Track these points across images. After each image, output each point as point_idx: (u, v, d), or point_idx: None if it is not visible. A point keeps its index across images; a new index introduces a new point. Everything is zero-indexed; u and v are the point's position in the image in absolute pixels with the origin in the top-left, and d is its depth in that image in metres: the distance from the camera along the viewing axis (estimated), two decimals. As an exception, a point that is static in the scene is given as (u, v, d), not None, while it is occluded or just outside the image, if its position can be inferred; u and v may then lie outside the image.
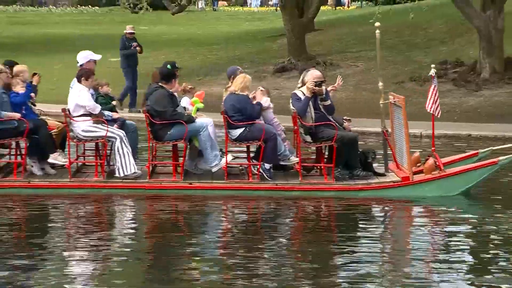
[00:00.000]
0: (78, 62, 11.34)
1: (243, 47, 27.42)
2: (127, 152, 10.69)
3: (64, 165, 10.83)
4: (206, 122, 10.86)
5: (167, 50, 27.82)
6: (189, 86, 11.71)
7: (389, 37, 25.45)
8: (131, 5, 25.10)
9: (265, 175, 10.64)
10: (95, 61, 11.35)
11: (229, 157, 10.74)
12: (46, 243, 8.33)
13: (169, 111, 10.66)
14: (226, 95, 10.98)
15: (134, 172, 10.68)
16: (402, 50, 23.88)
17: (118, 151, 10.64)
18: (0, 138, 10.66)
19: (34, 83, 11.13)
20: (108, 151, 11.17)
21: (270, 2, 49.08)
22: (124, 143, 10.67)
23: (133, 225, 9.42)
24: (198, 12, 37.04)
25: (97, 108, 10.77)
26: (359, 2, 45.43)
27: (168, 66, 11.03)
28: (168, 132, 10.68)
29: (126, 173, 10.65)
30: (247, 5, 47.01)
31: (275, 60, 23.64)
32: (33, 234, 8.72)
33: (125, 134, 10.78)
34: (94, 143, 10.96)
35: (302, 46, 23.40)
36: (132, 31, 19.66)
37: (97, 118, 10.74)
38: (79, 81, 10.81)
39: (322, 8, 29.97)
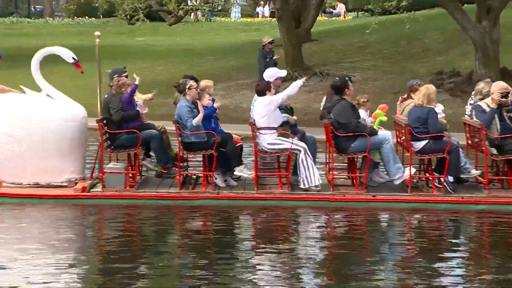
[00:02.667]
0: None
1: (240, 58, 27.45)
2: (311, 164, 10.78)
3: (250, 177, 11.01)
4: (388, 134, 10.88)
5: (164, 61, 27.85)
6: (363, 100, 11.63)
7: (385, 48, 25.55)
8: (128, 17, 25.10)
9: (448, 188, 10.64)
10: (281, 78, 11.63)
11: (413, 169, 10.78)
12: (234, 253, 8.63)
13: (353, 123, 10.74)
14: (411, 107, 10.97)
15: (316, 185, 10.78)
16: (398, 60, 23.95)
17: (302, 163, 10.75)
18: (191, 151, 10.94)
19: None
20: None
21: (262, 11, 49.21)
22: (308, 155, 10.79)
23: (316, 236, 9.53)
24: (195, 23, 37.07)
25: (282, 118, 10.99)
26: (355, 13, 45.51)
27: (345, 78, 11.15)
28: (352, 145, 10.75)
29: (310, 185, 10.75)
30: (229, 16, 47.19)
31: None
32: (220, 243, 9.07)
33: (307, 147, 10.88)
34: (275, 156, 11.14)
35: (298, 57, 23.44)
36: (272, 40, 18.81)
37: (282, 131, 10.88)
38: (263, 94, 10.95)
39: (318, 18, 30.04)
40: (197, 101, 11.05)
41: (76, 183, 11.12)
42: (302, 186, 10.84)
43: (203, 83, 11.59)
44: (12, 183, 11.02)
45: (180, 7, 24.35)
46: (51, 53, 11.91)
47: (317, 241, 9.26)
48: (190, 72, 26.20)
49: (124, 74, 11.47)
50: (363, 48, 25.91)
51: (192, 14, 25.53)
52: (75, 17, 44.86)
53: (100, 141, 10.97)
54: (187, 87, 11.04)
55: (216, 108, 11.26)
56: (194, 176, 11.58)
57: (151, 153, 11.48)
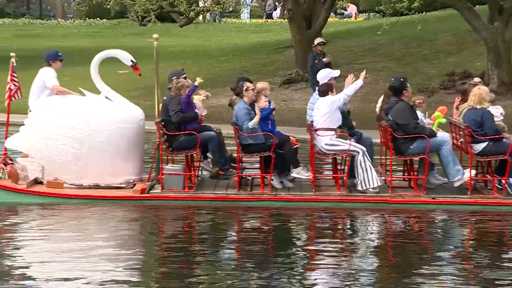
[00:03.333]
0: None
1: (250, 59, 27.46)
2: (369, 166, 10.79)
3: (308, 178, 11.04)
4: (447, 136, 10.87)
5: (175, 62, 27.87)
6: (418, 101, 11.57)
7: (396, 49, 25.48)
8: (139, 18, 25.14)
9: (509, 190, 10.60)
10: (335, 78, 11.58)
11: (473, 171, 10.76)
12: (288, 254, 8.65)
13: (412, 124, 10.69)
14: (466, 110, 10.92)
15: (374, 187, 10.78)
16: (409, 61, 23.88)
17: (361, 164, 10.75)
18: (249, 152, 11.02)
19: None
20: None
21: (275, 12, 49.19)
22: (366, 157, 10.79)
23: (377, 240, 9.54)
24: (206, 25, 37.10)
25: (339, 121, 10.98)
26: (367, 14, 45.44)
27: (401, 79, 11.12)
28: (410, 146, 10.70)
29: (368, 187, 10.75)
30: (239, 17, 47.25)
31: (283, 72, 23.66)
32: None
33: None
34: (331, 158, 11.21)
35: (309, 58, 23.39)
36: (322, 42, 18.65)
37: (341, 133, 10.91)
38: (325, 94, 10.99)
39: (329, 19, 30.01)
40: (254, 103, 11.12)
41: (134, 185, 11.23)
42: (359, 188, 10.82)
43: (259, 85, 11.62)
44: (72, 184, 11.15)
45: (192, 8, 24.38)
46: (111, 56, 12.05)
47: (376, 243, 9.29)
48: (201, 73, 26.24)
49: (183, 76, 11.54)
50: (375, 50, 25.85)
51: (201, 15, 25.50)
52: (87, 18, 44.96)
53: (159, 142, 11.06)
54: (244, 89, 11.12)
55: (272, 110, 11.27)
56: (250, 178, 11.62)
57: (208, 155, 11.52)
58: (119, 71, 24.94)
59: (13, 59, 11.56)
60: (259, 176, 11.29)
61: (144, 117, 11.58)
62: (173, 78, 11.43)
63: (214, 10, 24.60)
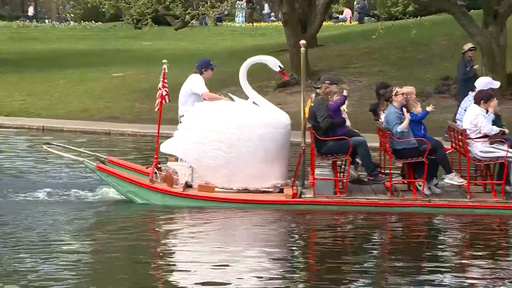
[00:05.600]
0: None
1: (246, 63, 27.44)
2: None
3: (461, 185, 11.00)
4: None
5: (170, 65, 27.83)
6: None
7: (391, 53, 25.54)
8: (134, 21, 25.14)
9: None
10: (493, 89, 11.58)
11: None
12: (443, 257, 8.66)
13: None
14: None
15: None
16: (404, 65, 23.93)
17: None
18: (402, 158, 11.02)
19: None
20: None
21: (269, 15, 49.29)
22: None
23: None
24: (201, 28, 37.11)
25: (493, 131, 10.89)
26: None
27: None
28: None
29: None
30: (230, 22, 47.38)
31: (278, 76, 23.66)
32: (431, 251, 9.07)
33: None
34: (484, 164, 11.13)
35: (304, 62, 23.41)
36: (473, 47, 18.00)
37: (495, 139, 10.81)
38: (479, 103, 10.99)
39: (324, 24, 30.06)
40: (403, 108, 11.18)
41: (281, 189, 11.35)
42: None
43: (405, 89, 11.64)
44: (223, 188, 11.33)
45: (187, 11, 24.39)
46: (259, 61, 12.31)
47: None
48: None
49: (335, 83, 11.68)
50: (369, 54, 25.91)
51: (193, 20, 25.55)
52: (82, 21, 44.93)
53: (312, 147, 11.19)
54: (393, 93, 11.15)
55: (428, 113, 11.24)
56: (395, 183, 11.53)
57: (356, 160, 11.51)
58: (113, 74, 24.93)
59: (165, 66, 11.85)
60: (402, 182, 11.37)
61: (290, 122, 11.65)
62: (326, 82, 11.56)
63: (210, 14, 24.55)
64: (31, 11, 53.40)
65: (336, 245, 9.57)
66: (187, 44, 34.80)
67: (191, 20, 25.00)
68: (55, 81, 25.49)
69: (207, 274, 8.06)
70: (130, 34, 37.92)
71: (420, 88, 21.10)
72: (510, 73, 20.12)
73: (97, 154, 12.55)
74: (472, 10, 24.46)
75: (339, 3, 31.98)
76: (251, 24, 44.58)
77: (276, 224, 10.50)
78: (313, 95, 11.91)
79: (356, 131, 11.83)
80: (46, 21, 50.46)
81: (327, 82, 11.56)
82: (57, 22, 47.41)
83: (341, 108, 11.58)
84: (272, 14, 50.85)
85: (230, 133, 11.30)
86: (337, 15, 44.01)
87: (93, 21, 44.48)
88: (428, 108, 11.23)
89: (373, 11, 38.81)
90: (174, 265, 8.57)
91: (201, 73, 12.18)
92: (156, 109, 11.89)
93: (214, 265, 8.34)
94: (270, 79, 23.56)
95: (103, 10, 25.50)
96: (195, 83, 11.99)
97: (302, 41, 11.95)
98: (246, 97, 11.83)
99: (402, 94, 11.19)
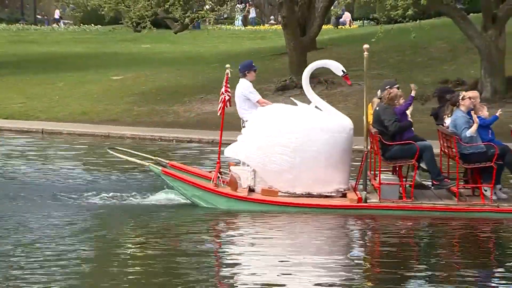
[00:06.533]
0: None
1: (245, 66, 27.45)
2: None
3: None
4: None
5: (169, 68, 27.90)
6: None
7: (391, 56, 25.56)
8: (134, 24, 25.15)
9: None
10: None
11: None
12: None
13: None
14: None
15: None
16: (403, 69, 23.94)
17: None
18: (470, 162, 10.90)
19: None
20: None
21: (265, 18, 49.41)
22: None
23: None
24: (200, 31, 37.12)
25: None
26: (361, 21, 45.58)
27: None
28: None
29: None
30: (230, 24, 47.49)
31: (277, 79, 23.69)
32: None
33: None
34: None
35: (303, 65, 23.33)
36: None
37: None
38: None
39: (323, 27, 30.07)
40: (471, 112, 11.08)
41: (344, 194, 11.32)
42: None
43: (472, 93, 11.56)
44: (286, 193, 11.30)
45: (187, 15, 24.39)
46: (322, 66, 12.27)
47: None
48: (195, 79, 26.29)
49: (396, 86, 11.60)
50: (369, 57, 25.89)
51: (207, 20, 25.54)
52: (81, 24, 44.97)
53: (378, 152, 11.13)
54: (460, 98, 11.12)
55: (497, 118, 11.12)
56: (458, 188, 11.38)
57: (421, 164, 11.38)
58: (112, 77, 24.93)
59: (228, 71, 11.83)
60: (470, 187, 11.27)
61: (353, 126, 11.55)
62: (386, 87, 11.52)
63: (209, 18, 24.56)
64: (57, 14, 52.95)
65: (407, 252, 9.32)
66: (186, 47, 34.84)
67: (191, 24, 24.99)
68: (54, 84, 25.49)
69: (269, 280, 7.94)
70: (129, 37, 37.93)
71: (419, 91, 21.13)
72: (509, 76, 20.12)
73: (159, 159, 12.55)
74: (471, 14, 24.51)
75: (339, 4, 31.97)
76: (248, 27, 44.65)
77: (342, 230, 10.45)
78: (375, 99, 11.84)
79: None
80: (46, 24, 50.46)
81: (388, 87, 11.50)
82: (57, 25, 47.42)
83: (406, 112, 11.53)
84: (272, 17, 50.96)
85: (294, 138, 11.26)
86: (337, 17, 44.04)
87: (92, 24, 44.52)
88: (498, 113, 11.15)
89: (373, 15, 38.80)
90: (238, 270, 8.42)
91: (244, 76, 12.17)
92: (218, 114, 11.84)
93: (277, 274, 8.20)
94: (269, 82, 23.59)
95: (103, 13, 25.50)
96: (246, 89, 12.00)
97: (366, 46, 11.86)
98: (308, 101, 11.75)
99: (469, 98, 11.12)
